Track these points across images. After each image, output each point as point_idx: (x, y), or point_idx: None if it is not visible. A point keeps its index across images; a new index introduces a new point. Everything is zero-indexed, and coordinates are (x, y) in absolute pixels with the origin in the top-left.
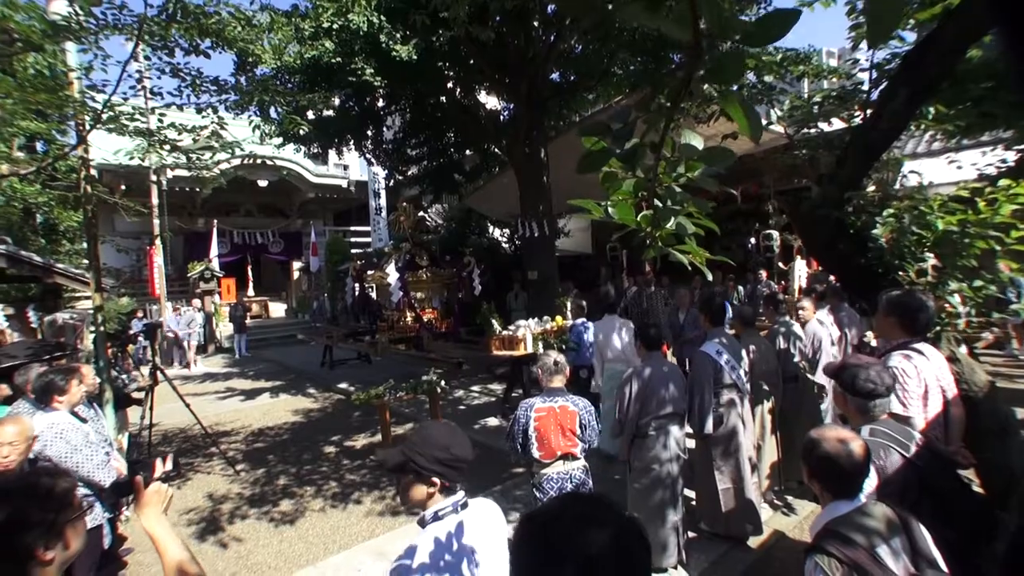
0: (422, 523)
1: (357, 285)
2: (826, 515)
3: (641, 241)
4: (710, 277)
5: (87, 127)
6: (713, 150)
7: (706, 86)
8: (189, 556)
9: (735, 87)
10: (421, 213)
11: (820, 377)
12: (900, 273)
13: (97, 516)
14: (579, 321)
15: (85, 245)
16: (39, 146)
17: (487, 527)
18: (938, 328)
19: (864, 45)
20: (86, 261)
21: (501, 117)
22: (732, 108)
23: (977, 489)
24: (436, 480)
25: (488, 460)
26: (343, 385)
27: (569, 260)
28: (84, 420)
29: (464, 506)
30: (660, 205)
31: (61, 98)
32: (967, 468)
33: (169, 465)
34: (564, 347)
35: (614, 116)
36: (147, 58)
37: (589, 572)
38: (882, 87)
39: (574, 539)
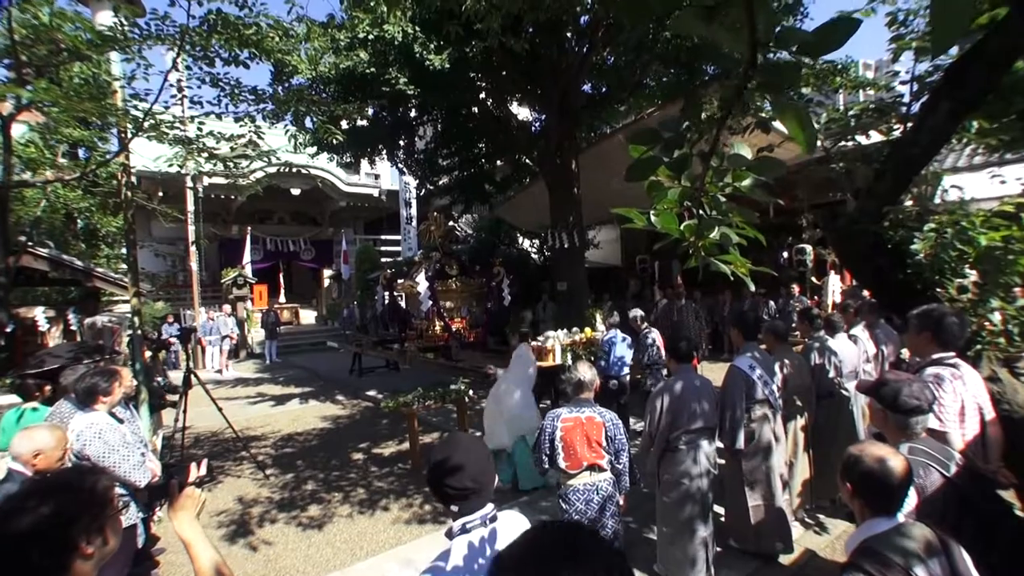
0: (449, 534)
1: (387, 294)
2: (862, 532)
3: (679, 251)
4: (753, 288)
5: (129, 135)
6: (763, 160)
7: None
8: (220, 560)
9: (793, 97)
10: (451, 223)
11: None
12: (939, 289)
13: (132, 515)
14: (611, 333)
15: (124, 250)
16: (81, 153)
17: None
18: (979, 347)
19: (905, 57)
20: (124, 265)
21: (533, 128)
22: (788, 119)
23: (1020, 513)
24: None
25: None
26: (372, 393)
27: (598, 272)
28: (121, 421)
29: (493, 519)
30: (704, 215)
31: (104, 106)
32: (1007, 488)
33: (203, 470)
34: (593, 358)
35: (664, 124)
36: (188, 68)
37: None
38: (923, 100)
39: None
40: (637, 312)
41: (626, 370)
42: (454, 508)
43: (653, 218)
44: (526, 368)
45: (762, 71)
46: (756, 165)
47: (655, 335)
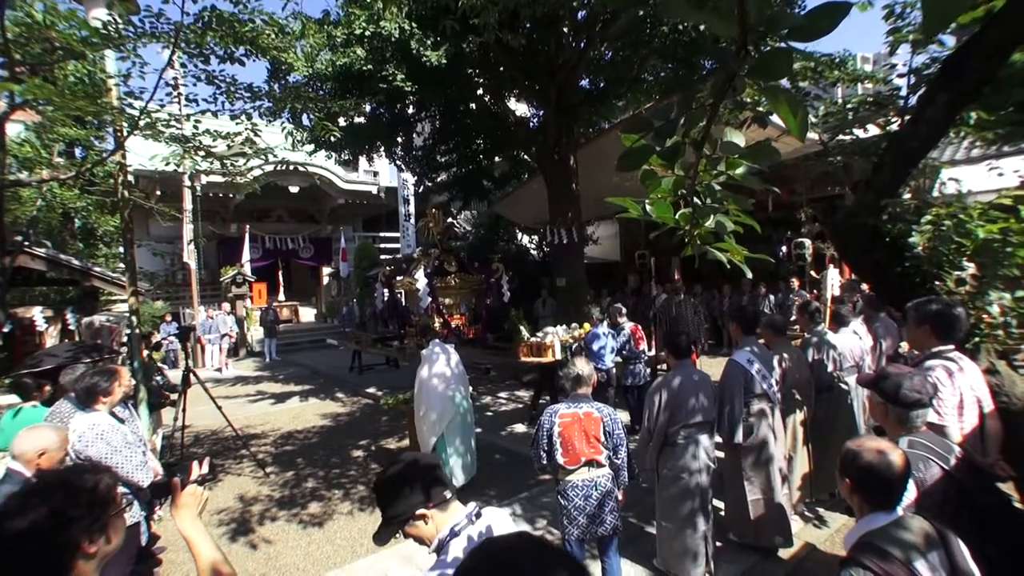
0: (439, 549)
1: (386, 291)
2: (862, 527)
3: (676, 244)
4: (749, 275)
5: (125, 133)
6: (756, 147)
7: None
8: (222, 558)
9: (784, 84)
10: (450, 219)
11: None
12: (937, 282)
13: (135, 514)
14: (602, 340)
15: (122, 249)
16: (78, 152)
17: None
18: (977, 339)
19: (902, 50)
20: (122, 264)
21: (530, 124)
22: (779, 106)
23: (1018, 505)
24: (422, 510)
25: (515, 467)
26: (371, 390)
27: (597, 268)
28: (121, 420)
29: (478, 516)
30: (699, 203)
31: (100, 105)
32: (1005, 481)
33: (205, 468)
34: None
35: (657, 113)
36: (183, 66)
37: None
38: (920, 93)
39: None
40: (618, 306)
41: (611, 363)
42: (447, 494)
43: (648, 207)
44: (433, 367)
45: (753, 58)
46: (749, 152)
47: (628, 328)
